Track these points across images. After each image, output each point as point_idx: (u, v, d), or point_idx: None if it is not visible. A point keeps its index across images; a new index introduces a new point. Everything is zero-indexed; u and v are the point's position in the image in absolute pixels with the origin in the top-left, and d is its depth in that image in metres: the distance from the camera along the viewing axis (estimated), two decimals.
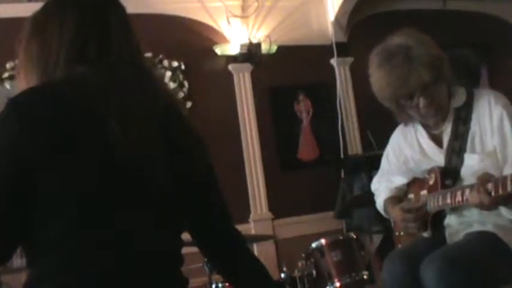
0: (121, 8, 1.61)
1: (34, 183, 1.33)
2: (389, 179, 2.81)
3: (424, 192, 2.56)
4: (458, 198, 2.28)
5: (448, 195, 2.35)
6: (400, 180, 2.75)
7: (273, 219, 5.50)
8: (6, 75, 5.13)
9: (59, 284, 1.33)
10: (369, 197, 3.11)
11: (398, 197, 2.74)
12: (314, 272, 3.58)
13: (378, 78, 2.50)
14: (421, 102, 2.40)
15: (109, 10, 1.56)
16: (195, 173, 1.54)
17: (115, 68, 1.47)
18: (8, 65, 5.13)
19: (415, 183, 2.68)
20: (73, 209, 1.35)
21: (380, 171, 2.90)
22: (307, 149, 5.73)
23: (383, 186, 2.82)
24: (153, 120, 1.46)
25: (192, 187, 1.54)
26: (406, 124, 2.67)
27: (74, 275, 1.34)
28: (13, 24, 5.05)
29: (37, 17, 1.56)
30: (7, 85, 5.15)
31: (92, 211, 1.36)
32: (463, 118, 2.45)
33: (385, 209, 2.79)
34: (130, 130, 1.39)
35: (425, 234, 2.53)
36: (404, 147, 2.70)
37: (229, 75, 5.65)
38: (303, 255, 3.69)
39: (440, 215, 2.50)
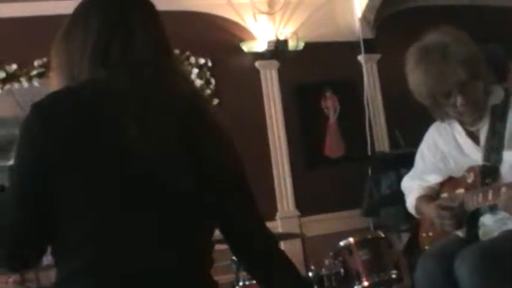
0: (148, 6, 1.60)
1: (57, 185, 1.35)
2: (422, 177, 2.78)
3: (460, 190, 2.53)
4: (501, 196, 2.25)
5: (490, 193, 2.32)
6: (434, 179, 2.72)
7: (299, 217, 5.47)
8: (34, 72, 5.15)
9: (85, 285, 1.34)
10: (398, 195, 3.08)
11: (431, 196, 2.71)
12: (342, 271, 3.57)
13: (415, 76, 2.49)
14: (458, 100, 2.39)
15: (134, 9, 1.56)
16: (220, 174, 1.51)
17: (137, 70, 1.47)
18: (36, 63, 5.16)
19: (449, 182, 2.66)
20: (96, 210, 1.36)
21: (413, 170, 2.87)
22: (333, 146, 5.69)
23: (415, 184, 2.80)
24: (173, 121, 1.45)
25: (218, 188, 1.51)
26: (442, 120, 2.64)
27: (98, 275, 1.34)
28: (39, 22, 5.17)
29: (68, 19, 1.57)
30: (35, 83, 5.17)
31: (114, 212, 1.37)
32: (499, 115, 2.43)
33: (416, 207, 2.77)
34: (148, 131, 1.38)
35: (459, 233, 2.51)
36: (440, 144, 2.68)
37: (256, 72, 5.63)
38: (331, 253, 3.67)
39: (476, 214, 2.47)
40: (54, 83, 1.54)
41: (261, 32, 5.57)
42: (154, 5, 1.61)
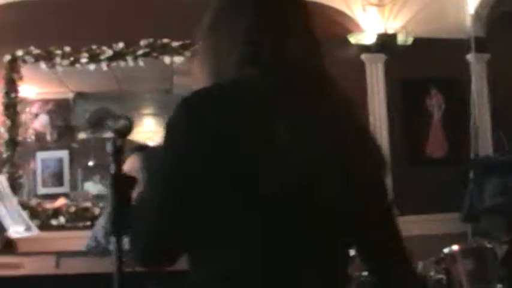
0: (302, 4, 1.52)
1: (201, 188, 1.30)
2: None
3: None
4: None
5: None
6: None
7: (398, 216, 5.33)
8: (140, 52, 5.22)
9: None
10: (503, 204, 2.96)
11: None
12: (444, 278, 3.47)
13: None
14: None
15: (288, 6, 1.48)
16: (367, 186, 1.43)
17: (288, 70, 1.40)
18: (142, 42, 5.22)
19: None
20: (240, 215, 1.31)
21: None
22: (436, 145, 5.57)
23: None
24: (326, 128, 1.37)
25: (362, 200, 1.43)
26: None
27: (240, 283, 1.31)
28: (147, 1, 5.22)
29: (214, 10, 1.52)
30: (141, 62, 5.24)
31: (258, 218, 1.32)
32: None
33: None
34: (299, 137, 1.32)
35: None
36: None
37: (361, 65, 5.54)
38: (432, 258, 3.58)
39: None
40: (197, 68, 1.52)
41: (369, 24, 5.46)
42: (307, 3, 1.54)
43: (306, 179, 1.32)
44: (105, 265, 2.78)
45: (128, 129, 1.81)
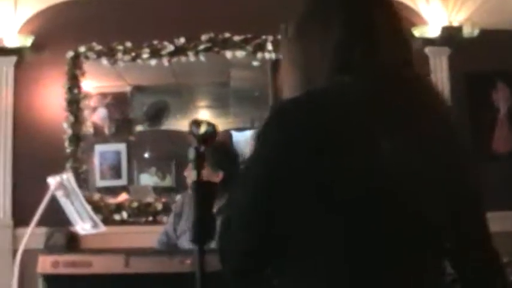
0: (392, 6, 1.47)
1: (296, 197, 1.27)
2: None
3: None
4: None
5: None
6: None
7: None
8: (201, 47, 5.21)
9: None
10: None
11: None
12: None
13: None
14: None
15: (379, 9, 1.43)
16: (463, 197, 1.40)
17: (384, 77, 1.35)
18: (204, 37, 5.21)
19: None
20: (338, 224, 1.27)
21: None
22: (502, 140, 5.41)
23: None
24: (426, 135, 1.33)
25: (456, 209, 1.38)
26: None
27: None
28: None
29: (300, 15, 1.48)
30: (202, 57, 5.23)
31: (350, 229, 1.27)
32: None
33: None
34: (400, 145, 1.28)
35: None
36: None
37: (425, 58, 5.38)
38: (505, 260, 3.47)
39: None
40: (283, 74, 1.50)
41: (432, 17, 5.32)
42: (393, 3, 1.48)
43: (402, 187, 1.28)
44: (175, 265, 2.79)
45: (212, 136, 1.78)
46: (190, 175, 3.57)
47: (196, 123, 1.79)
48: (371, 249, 1.28)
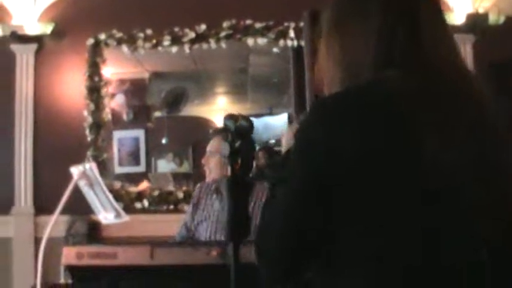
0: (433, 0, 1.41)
1: (339, 201, 1.21)
2: None
3: None
4: None
5: None
6: None
7: None
8: (223, 34, 5.15)
9: None
10: None
11: None
12: None
13: None
14: None
15: (419, 3, 1.37)
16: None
17: (431, 74, 1.29)
18: (225, 24, 5.15)
19: None
20: (387, 227, 1.21)
21: None
22: None
23: None
24: (477, 142, 1.26)
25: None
26: None
27: None
28: None
29: (337, 6, 1.43)
30: (223, 44, 5.18)
31: (399, 237, 1.21)
32: None
33: None
34: (449, 143, 1.22)
35: None
36: None
37: None
38: None
39: None
40: (323, 70, 1.43)
41: (458, 4, 5.23)
42: None
43: (452, 183, 1.22)
44: (200, 256, 2.76)
45: (248, 130, 1.73)
46: (208, 163, 3.54)
47: (232, 117, 1.74)
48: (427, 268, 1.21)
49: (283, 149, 1.58)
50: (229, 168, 1.75)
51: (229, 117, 1.74)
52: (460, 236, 1.23)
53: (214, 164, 3.50)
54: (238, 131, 1.74)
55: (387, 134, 1.22)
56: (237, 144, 1.74)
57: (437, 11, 1.40)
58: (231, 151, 1.74)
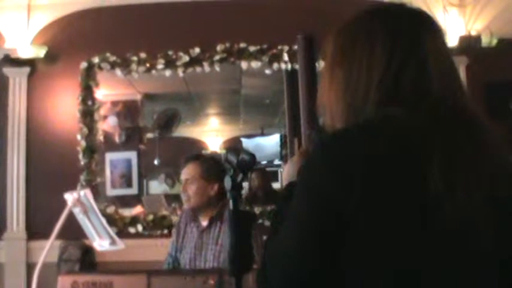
0: (440, 31, 1.39)
1: (345, 241, 1.20)
2: None
3: None
4: None
5: None
6: None
7: None
8: (217, 57, 5.14)
9: None
10: None
11: None
12: None
13: None
14: None
15: (427, 34, 1.35)
16: None
17: (436, 111, 1.27)
18: (219, 48, 5.15)
19: None
20: (391, 267, 1.19)
21: None
22: None
23: None
24: (483, 181, 1.23)
25: None
26: None
27: None
28: (223, 6, 5.15)
29: (343, 37, 1.40)
30: (216, 67, 5.17)
31: (406, 277, 1.19)
32: None
33: None
34: (456, 190, 1.19)
35: None
36: None
37: None
38: None
39: None
40: (324, 101, 1.41)
41: (450, 26, 5.24)
42: (440, 27, 1.41)
43: (458, 225, 1.19)
44: (197, 285, 2.73)
45: (250, 165, 1.72)
46: (186, 190, 3.53)
47: (234, 151, 1.72)
48: None
49: (284, 182, 1.56)
50: (231, 202, 1.73)
51: (232, 151, 1.72)
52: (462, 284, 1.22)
53: (193, 191, 3.48)
54: (240, 165, 1.72)
55: (389, 176, 1.20)
56: (239, 178, 1.72)
57: (442, 45, 1.38)
58: (233, 185, 1.72)
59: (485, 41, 5.21)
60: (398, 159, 1.21)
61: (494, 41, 5.25)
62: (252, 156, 1.69)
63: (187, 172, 3.57)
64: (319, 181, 1.23)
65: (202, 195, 3.50)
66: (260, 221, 4.84)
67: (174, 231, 3.79)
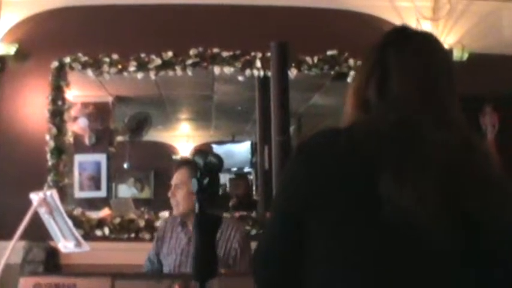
0: (442, 53, 1.60)
1: (306, 227, 1.33)
2: None
3: None
4: None
5: None
6: None
7: None
8: (189, 62, 5.12)
9: None
10: None
11: None
12: None
13: None
14: None
15: (390, 50, 1.50)
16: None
17: (399, 111, 1.39)
18: (192, 52, 5.13)
19: None
20: (347, 259, 1.28)
21: None
22: None
23: None
24: (434, 178, 1.30)
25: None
26: None
27: None
28: (196, 10, 5.14)
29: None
30: (189, 72, 5.15)
31: (367, 264, 1.27)
32: None
33: None
34: (405, 186, 1.26)
35: None
36: None
37: None
38: None
39: None
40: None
41: None
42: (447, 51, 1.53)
43: (402, 225, 1.26)
44: None
45: (217, 167, 1.71)
46: (174, 196, 3.48)
47: (201, 153, 1.71)
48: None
49: None
50: (196, 205, 1.72)
51: (199, 153, 1.71)
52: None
53: (182, 197, 3.43)
54: (207, 168, 1.70)
55: (345, 168, 1.33)
56: (206, 181, 1.71)
57: (447, 66, 1.64)
58: (199, 187, 1.71)
59: (456, 54, 5.26)
60: (353, 157, 1.33)
61: (466, 55, 5.30)
62: (220, 159, 1.68)
63: (177, 177, 3.52)
64: (292, 173, 1.41)
65: (192, 200, 3.46)
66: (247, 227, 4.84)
67: (156, 236, 3.74)
